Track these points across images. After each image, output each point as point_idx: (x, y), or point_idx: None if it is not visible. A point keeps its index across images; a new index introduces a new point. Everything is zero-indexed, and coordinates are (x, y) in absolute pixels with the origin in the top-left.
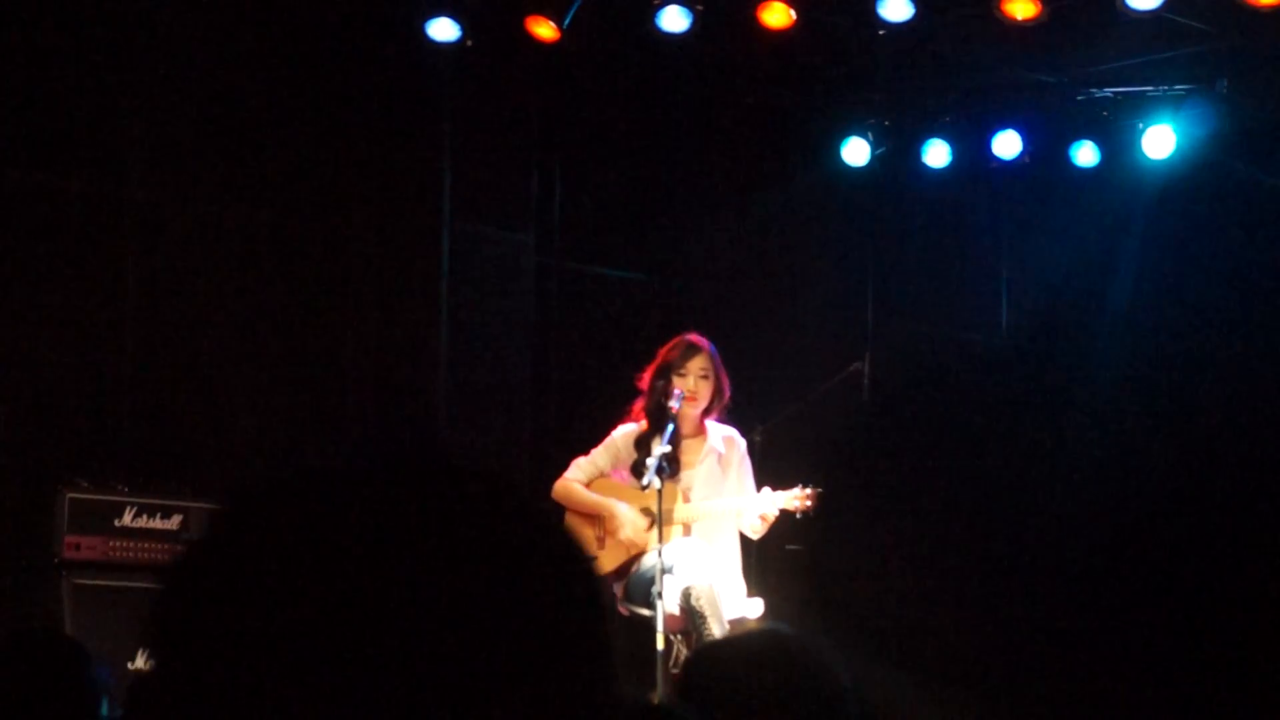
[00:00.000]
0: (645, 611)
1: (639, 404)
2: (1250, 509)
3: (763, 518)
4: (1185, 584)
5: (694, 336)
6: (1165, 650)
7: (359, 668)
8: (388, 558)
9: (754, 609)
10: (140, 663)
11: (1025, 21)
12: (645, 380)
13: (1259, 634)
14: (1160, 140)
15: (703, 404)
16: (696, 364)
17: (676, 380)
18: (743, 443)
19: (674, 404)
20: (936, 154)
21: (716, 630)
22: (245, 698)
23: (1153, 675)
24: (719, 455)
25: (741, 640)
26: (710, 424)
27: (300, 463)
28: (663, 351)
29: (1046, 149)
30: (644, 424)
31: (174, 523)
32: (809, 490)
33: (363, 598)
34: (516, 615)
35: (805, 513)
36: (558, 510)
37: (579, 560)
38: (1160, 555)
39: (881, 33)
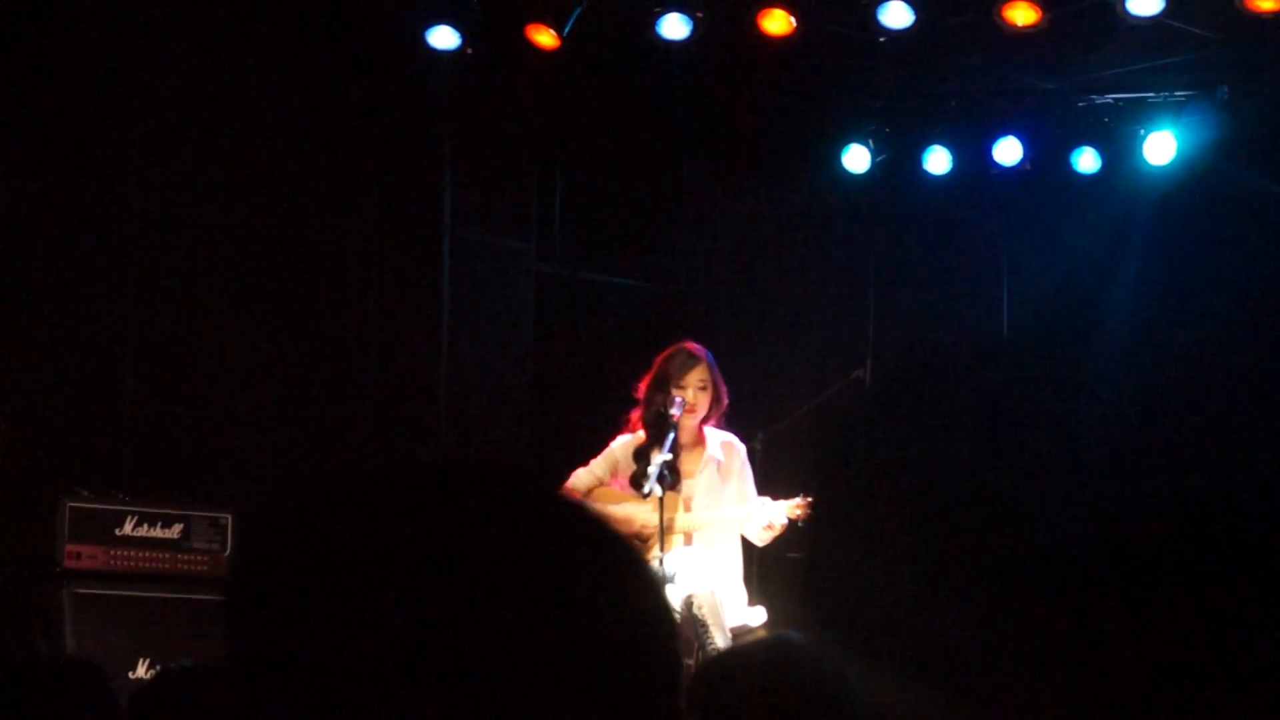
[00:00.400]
0: None
1: (636, 414)
2: (1252, 513)
3: (768, 527)
4: (1188, 587)
5: (691, 345)
6: (1169, 654)
7: (424, 673)
8: (456, 561)
9: (756, 617)
10: (141, 672)
11: (1025, 28)
12: (642, 391)
13: (1262, 637)
14: (1161, 146)
15: (701, 414)
16: (695, 375)
17: (675, 392)
18: (742, 448)
19: (675, 412)
20: (937, 161)
21: (719, 639)
22: (310, 695)
23: (1156, 679)
24: (718, 463)
25: (751, 649)
26: (709, 431)
27: (355, 465)
28: (659, 361)
29: (1047, 155)
30: (642, 435)
31: (175, 532)
32: (803, 499)
33: (430, 602)
34: (590, 624)
35: (799, 521)
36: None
37: (650, 576)
38: (1163, 560)
39: (882, 39)
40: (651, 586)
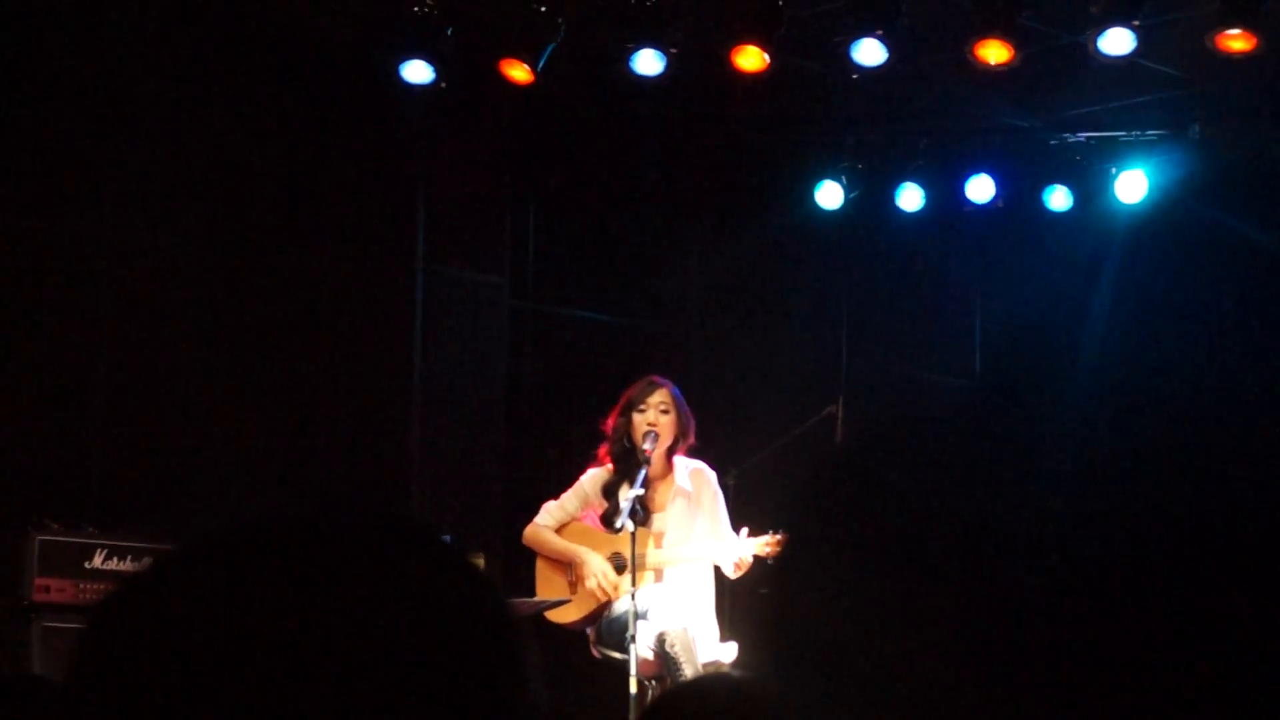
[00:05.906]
0: (619, 655)
1: (604, 448)
2: (1226, 553)
3: (737, 564)
4: (1163, 625)
5: (655, 377)
6: (1141, 693)
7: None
8: (293, 608)
9: (728, 653)
10: None
11: (998, 66)
12: (610, 425)
13: (1239, 689)
14: (1133, 185)
15: (666, 439)
16: (656, 398)
17: (636, 417)
18: (712, 476)
19: (647, 446)
20: (910, 198)
21: (691, 675)
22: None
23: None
24: (688, 495)
25: (699, 688)
26: (677, 460)
27: (244, 512)
28: (625, 394)
29: (1019, 193)
30: (610, 468)
31: (144, 565)
32: (775, 535)
33: (266, 649)
34: (425, 669)
35: (769, 559)
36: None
37: (501, 619)
38: (1137, 599)
39: (855, 76)
40: (502, 635)
